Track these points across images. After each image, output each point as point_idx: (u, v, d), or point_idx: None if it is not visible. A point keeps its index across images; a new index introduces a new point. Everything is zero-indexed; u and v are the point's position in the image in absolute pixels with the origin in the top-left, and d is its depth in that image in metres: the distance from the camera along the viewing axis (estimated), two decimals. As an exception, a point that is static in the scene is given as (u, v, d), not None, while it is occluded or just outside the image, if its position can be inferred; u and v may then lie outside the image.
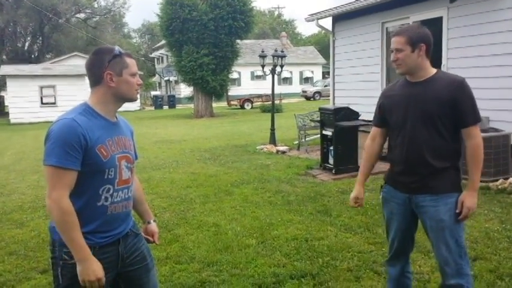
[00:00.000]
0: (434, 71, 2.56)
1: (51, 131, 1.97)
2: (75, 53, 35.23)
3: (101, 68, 2.04)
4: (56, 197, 1.92)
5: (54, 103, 26.73)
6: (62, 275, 2.02)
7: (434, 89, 2.48)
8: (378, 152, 2.81)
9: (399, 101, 2.59)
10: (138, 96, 2.18)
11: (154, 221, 2.46)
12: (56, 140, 1.93)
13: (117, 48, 2.09)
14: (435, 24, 8.27)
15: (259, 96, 31.53)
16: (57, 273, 2.04)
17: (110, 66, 2.04)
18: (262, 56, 12.19)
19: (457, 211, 2.47)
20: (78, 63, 31.06)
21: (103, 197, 2.05)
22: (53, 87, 26.95)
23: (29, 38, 47.16)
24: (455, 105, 2.44)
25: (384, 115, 2.71)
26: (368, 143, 2.83)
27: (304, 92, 37.75)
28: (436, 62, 8.04)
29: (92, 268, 1.95)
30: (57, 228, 1.96)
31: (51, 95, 27.05)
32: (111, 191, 2.06)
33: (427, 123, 2.48)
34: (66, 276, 2.00)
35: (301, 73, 44.38)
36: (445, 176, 2.51)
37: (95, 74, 2.06)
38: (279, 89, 28.74)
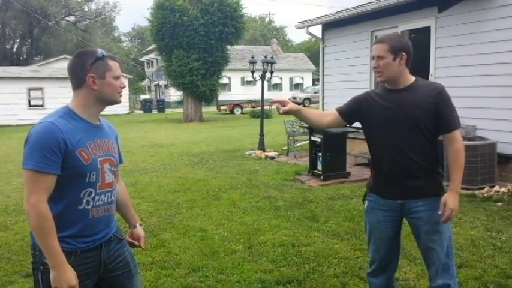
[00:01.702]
0: (413, 78, 2.60)
1: (30, 134, 1.95)
2: (64, 56, 34.99)
3: (83, 70, 2.01)
4: (34, 201, 1.89)
5: (42, 105, 26.53)
6: (42, 280, 1.99)
7: (417, 97, 2.52)
8: (324, 122, 2.81)
9: (383, 108, 2.59)
10: (122, 99, 2.16)
11: (140, 225, 2.42)
12: (34, 143, 1.91)
13: (99, 50, 2.06)
14: (423, 34, 8.37)
15: (249, 101, 31.55)
16: (38, 278, 2.01)
17: (93, 69, 2.01)
18: (252, 62, 12.22)
19: (440, 212, 2.50)
20: (66, 66, 30.84)
21: (84, 201, 2.02)
22: (41, 89, 26.77)
23: (17, 40, 46.82)
24: (437, 112, 2.50)
25: (353, 112, 2.72)
26: (321, 112, 2.93)
27: (294, 98, 37.76)
28: (424, 71, 8.14)
29: (66, 276, 1.91)
30: (33, 233, 1.94)
31: (39, 97, 26.86)
32: (92, 195, 2.03)
33: (414, 130, 2.51)
34: (47, 281, 1.96)
35: (291, 79, 44.51)
36: (433, 180, 2.58)
37: (77, 77, 2.04)
38: (269, 95, 28.74)
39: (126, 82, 34.59)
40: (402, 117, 2.51)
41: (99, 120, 2.16)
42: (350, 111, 2.75)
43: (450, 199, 2.49)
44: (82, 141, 1.99)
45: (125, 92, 38.27)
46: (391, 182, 2.60)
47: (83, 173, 1.98)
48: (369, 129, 2.70)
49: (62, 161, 1.92)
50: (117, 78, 2.07)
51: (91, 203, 2.03)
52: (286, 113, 2.64)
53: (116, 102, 2.13)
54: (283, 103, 2.64)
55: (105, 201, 2.10)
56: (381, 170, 2.66)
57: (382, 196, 2.65)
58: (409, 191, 2.56)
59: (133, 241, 2.37)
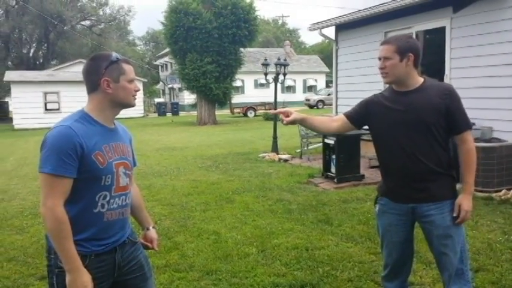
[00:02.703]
0: (421, 80, 2.55)
1: (46, 138, 1.96)
2: (79, 60, 35.41)
3: (98, 74, 2.02)
4: (50, 205, 1.89)
5: (58, 109, 26.88)
6: (57, 283, 2.00)
7: (427, 98, 2.48)
8: (331, 128, 2.79)
9: (391, 110, 2.55)
10: (136, 102, 2.16)
11: (153, 227, 2.43)
12: (51, 147, 1.92)
13: (114, 54, 2.07)
14: (438, 34, 8.28)
15: (263, 104, 31.53)
16: (53, 282, 2.02)
17: (107, 73, 2.02)
18: (265, 64, 12.21)
19: (455, 214, 2.48)
20: (82, 69, 31.22)
21: (99, 204, 2.02)
22: (57, 93, 27.12)
23: (34, 45, 47.48)
24: (448, 113, 2.46)
25: (361, 116, 2.69)
26: (327, 117, 2.85)
27: (307, 100, 37.75)
28: (439, 72, 8.05)
29: (82, 280, 1.92)
30: (50, 236, 1.94)
31: (55, 101, 27.21)
32: (107, 198, 2.04)
33: (423, 132, 2.47)
34: (61, 284, 1.97)
35: (304, 81, 44.42)
36: (446, 183, 2.53)
37: (92, 81, 2.05)
38: (283, 97, 28.80)
39: (140, 85, 34.88)
40: (411, 119, 2.47)
41: (114, 124, 2.17)
42: (358, 115, 2.72)
43: (464, 201, 2.46)
44: (98, 144, 2.00)
45: (140, 96, 38.36)
46: (401, 186, 2.56)
47: (98, 176, 1.99)
48: (377, 132, 2.66)
49: (78, 164, 1.93)
50: (131, 81, 2.09)
51: (106, 206, 2.04)
52: (291, 123, 2.62)
53: (131, 105, 2.15)
54: (286, 114, 2.63)
55: (120, 204, 2.11)
56: (390, 173, 2.62)
57: (393, 200, 2.62)
58: (419, 194, 2.51)
59: (146, 243, 2.37)
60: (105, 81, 2.02)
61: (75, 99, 26.00)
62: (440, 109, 2.44)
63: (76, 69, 31.66)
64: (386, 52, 2.48)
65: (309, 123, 2.73)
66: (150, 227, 2.41)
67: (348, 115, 2.75)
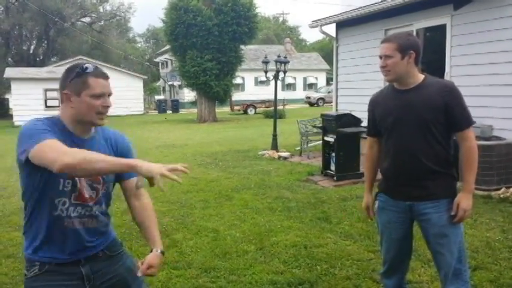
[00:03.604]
0: (422, 77, 2.53)
1: (20, 130, 1.91)
2: (79, 57, 35.32)
3: (63, 86, 1.93)
4: (57, 157, 1.73)
5: (58, 106, 26.69)
6: None
7: (426, 95, 2.46)
8: (379, 156, 2.79)
9: (391, 109, 2.57)
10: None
11: (159, 251, 2.10)
12: (24, 131, 1.86)
13: (85, 66, 1.94)
14: (439, 32, 8.26)
15: (263, 101, 31.51)
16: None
17: (70, 85, 1.92)
18: (265, 62, 12.19)
19: (453, 213, 2.46)
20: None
21: (59, 208, 1.95)
22: (57, 90, 27.04)
23: (34, 42, 47.41)
24: (447, 110, 2.43)
25: (375, 123, 2.70)
26: (367, 152, 2.84)
27: (307, 98, 37.76)
28: (440, 69, 8.03)
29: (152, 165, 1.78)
30: (83, 165, 1.74)
31: (56, 98, 27.13)
32: (66, 205, 1.96)
33: (422, 130, 2.46)
34: None
35: (305, 79, 44.39)
36: (444, 181, 2.51)
37: (59, 92, 1.97)
38: (283, 95, 28.75)
39: (140, 83, 34.93)
40: (410, 117, 2.47)
41: (90, 134, 2.04)
42: (375, 127, 2.72)
43: (463, 200, 2.44)
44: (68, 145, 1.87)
45: (140, 93, 38.30)
46: (400, 184, 2.57)
47: (55, 178, 1.88)
48: (381, 128, 2.67)
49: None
50: (97, 97, 1.91)
51: (65, 212, 1.96)
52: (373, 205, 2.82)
53: (93, 124, 1.99)
54: (368, 213, 2.85)
55: (82, 213, 2.00)
56: (389, 171, 2.63)
57: (392, 197, 2.63)
58: (417, 192, 2.51)
59: (139, 267, 2.06)
60: (65, 95, 1.93)
61: (75, 96, 26.20)
62: (439, 106, 2.42)
63: (76, 66, 31.61)
64: (387, 50, 2.47)
65: (374, 176, 2.85)
66: (154, 250, 2.10)
67: (370, 133, 2.80)
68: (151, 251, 2.10)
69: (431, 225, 2.51)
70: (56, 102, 27.00)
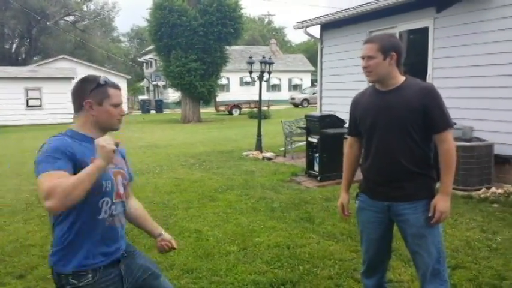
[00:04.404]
0: (403, 78, 2.54)
1: (42, 146, 2.01)
2: (62, 56, 34.94)
3: (83, 96, 2.08)
4: (48, 187, 1.80)
5: (40, 105, 26.44)
6: None
7: (406, 97, 2.46)
8: (358, 156, 2.83)
9: (370, 109, 2.58)
10: (120, 126, 2.20)
11: (163, 232, 2.48)
12: (44, 151, 1.95)
13: (102, 78, 2.13)
14: (421, 34, 8.35)
15: (248, 102, 31.53)
16: None
17: (91, 95, 2.08)
18: (250, 63, 12.19)
19: (430, 215, 2.47)
20: (65, 66, 30.79)
21: (103, 210, 2.06)
22: (39, 89, 26.65)
23: (16, 40, 46.76)
24: (426, 112, 2.43)
25: (356, 123, 2.72)
26: (347, 151, 2.86)
27: (292, 99, 37.88)
28: (422, 71, 8.12)
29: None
30: (69, 197, 1.82)
31: (37, 97, 26.75)
32: (109, 204, 2.08)
33: (402, 132, 2.47)
34: None
35: (290, 80, 44.54)
36: (422, 183, 2.52)
37: (77, 102, 2.11)
38: (268, 96, 28.77)
39: (124, 83, 34.71)
40: (389, 119, 2.48)
41: None
42: (356, 127, 2.74)
43: (440, 202, 2.45)
44: (91, 155, 1.97)
45: (123, 93, 37.74)
46: (379, 184, 2.59)
47: (99, 181, 1.96)
48: (361, 129, 2.69)
49: (74, 170, 1.91)
50: (116, 105, 2.13)
51: (108, 212, 2.08)
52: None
53: (113, 129, 2.18)
54: (343, 211, 2.84)
55: (120, 211, 2.16)
56: (369, 171, 2.65)
57: (371, 197, 2.65)
58: (395, 193, 2.53)
59: (165, 247, 2.44)
60: (88, 103, 2.08)
61: (58, 96, 25.85)
62: (418, 108, 2.43)
63: (59, 66, 31.22)
64: (369, 51, 2.47)
65: (352, 177, 2.87)
66: (162, 232, 2.45)
67: (351, 133, 2.81)
68: (160, 235, 2.42)
69: (409, 226, 2.53)
70: (37, 102, 26.67)
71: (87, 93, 2.08)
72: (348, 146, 2.84)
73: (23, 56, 45.84)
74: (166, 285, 2.38)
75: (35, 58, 45.35)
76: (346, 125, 2.86)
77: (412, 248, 2.57)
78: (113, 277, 2.09)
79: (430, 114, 2.43)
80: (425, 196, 2.51)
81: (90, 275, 2.02)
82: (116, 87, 2.17)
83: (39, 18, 40.60)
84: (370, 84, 2.68)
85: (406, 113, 2.44)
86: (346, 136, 2.86)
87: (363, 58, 2.52)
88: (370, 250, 2.72)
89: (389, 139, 2.50)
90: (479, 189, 6.33)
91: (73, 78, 26.75)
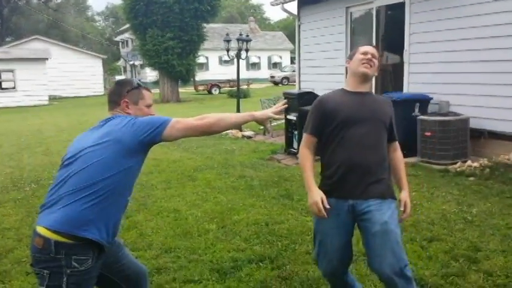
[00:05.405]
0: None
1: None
2: (35, 36, 33.92)
3: (120, 96, 2.34)
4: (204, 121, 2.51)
5: (13, 88, 25.80)
6: (67, 284, 2.00)
7: (379, 102, 2.73)
8: (314, 158, 2.69)
9: (345, 105, 2.58)
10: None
11: None
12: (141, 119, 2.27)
13: (135, 80, 2.43)
14: (399, 10, 8.32)
15: (227, 81, 31.29)
16: (61, 283, 2.00)
17: (128, 96, 2.34)
18: (227, 40, 12.03)
19: (402, 209, 2.62)
20: (38, 47, 29.94)
21: (132, 192, 2.31)
22: (12, 71, 25.94)
23: (-14, 20, 45.24)
24: (391, 121, 2.69)
25: (322, 122, 2.60)
26: (306, 151, 2.66)
27: (272, 77, 37.73)
28: (399, 47, 8.13)
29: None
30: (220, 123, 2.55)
31: (11, 79, 26.06)
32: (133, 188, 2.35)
33: (377, 132, 2.60)
34: (74, 285, 2.00)
35: (269, 58, 44.29)
36: (386, 183, 2.60)
37: (114, 101, 2.35)
38: (247, 74, 28.72)
39: (100, 63, 34.00)
40: (371, 117, 2.60)
41: None
42: (321, 128, 2.62)
43: (408, 198, 2.66)
44: None
45: (99, 73, 37.05)
46: (345, 179, 2.53)
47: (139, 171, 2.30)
48: (333, 129, 2.58)
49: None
50: (149, 106, 2.39)
51: (131, 194, 2.33)
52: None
53: None
54: (319, 210, 2.55)
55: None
56: (336, 164, 2.56)
57: (335, 195, 2.55)
58: (359, 189, 2.50)
59: None
60: (125, 102, 2.33)
61: (32, 77, 25.25)
62: (389, 115, 2.69)
63: (32, 46, 30.32)
64: (375, 53, 2.68)
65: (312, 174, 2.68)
66: None
67: (314, 133, 2.65)
68: None
69: (372, 223, 2.47)
70: (11, 84, 25.98)
71: (123, 93, 2.32)
72: (306, 146, 2.66)
73: (-5, 37, 44.46)
74: (129, 256, 2.52)
75: (7, 39, 44.03)
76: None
77: (373, 249, 2.48)
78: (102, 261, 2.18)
79: (391, 124, 2.71)
80: (390, 195, 2.58)
81: (90, 259, 2.06)
82: (148, 89, 2.44)
83: (9, -3, 39.32)
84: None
85: (383, 116, 2.65)
86: (306, 134, 2.67)
87: (366, 54, 2.63)
88: (334, 260, 2.63)
89: (364, 134, 2.54)
90: (455, 163, 6.41)
91: (47, 59, 26.10)
